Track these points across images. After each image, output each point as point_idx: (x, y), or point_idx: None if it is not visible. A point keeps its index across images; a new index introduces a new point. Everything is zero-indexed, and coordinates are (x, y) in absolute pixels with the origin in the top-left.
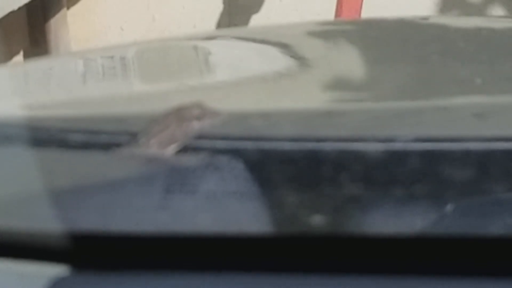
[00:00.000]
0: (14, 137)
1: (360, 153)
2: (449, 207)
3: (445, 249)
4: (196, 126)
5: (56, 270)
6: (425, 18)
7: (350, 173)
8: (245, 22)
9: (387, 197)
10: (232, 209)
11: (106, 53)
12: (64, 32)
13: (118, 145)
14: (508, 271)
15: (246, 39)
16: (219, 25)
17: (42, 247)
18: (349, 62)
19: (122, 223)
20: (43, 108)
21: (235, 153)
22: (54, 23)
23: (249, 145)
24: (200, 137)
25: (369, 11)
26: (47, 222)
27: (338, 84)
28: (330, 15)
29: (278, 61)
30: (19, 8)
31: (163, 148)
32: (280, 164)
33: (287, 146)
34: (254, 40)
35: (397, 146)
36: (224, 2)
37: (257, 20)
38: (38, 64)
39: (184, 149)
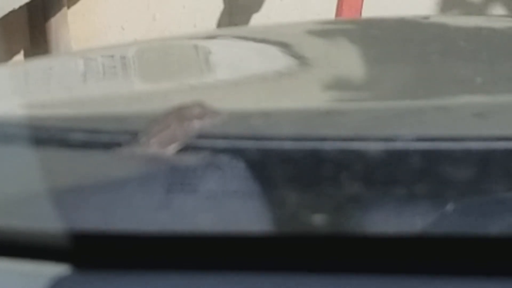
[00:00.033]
0: (15, 137)
1: (360, 153)
2: (449, 207)
3: (445, 249)
4: (196, 125)
5: (57, 270)
6: (426, 18)
7: (350, 172)
8: (246, 21)
9: (387, 196)
10: (232, 208)
11: (106, 52)
12: (65, 32)
13: (118, 144)
14: (509, 270)
15: (246, 39)
16: (220, 24)
17: (43, 246)
18: (350, 61)
19: (122, 222)
20: (43, 108)
21: (235, 152)
22: (54, 22)
23: (249, 144)
24: (201, 136)
25: (369, 11)
26: (48, 222)
27: (339, 84)
28: (331, 15)
29: (278, 60)
30: (20, 7)
31: (163, 147)
32: (281, 164)
33: (288, 145)
34: (254, 40)
35: (398, 145)
36: (225, 2)
37: (257, 20)
38: (39, 64)
39: (185, 149)
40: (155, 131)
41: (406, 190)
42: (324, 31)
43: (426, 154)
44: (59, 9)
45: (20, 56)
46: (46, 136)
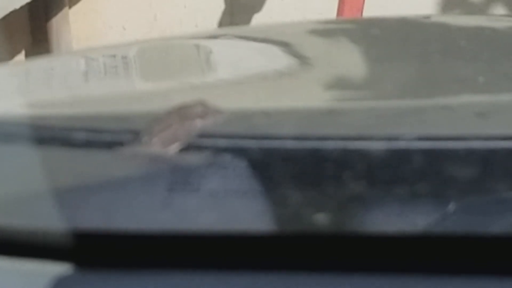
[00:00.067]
0: (16, 136)
1: (362, 152)
2: (451, 206)
3: (447, 248)
4: (198, 124)
5: (58, 269)
6: (427, 17)
7: (352, 172)
8: (247, 21)
9: (389, 196)
10: (234, 207)
11: (108, 52)
12: (66, 31)
13: (120, 143)
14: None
15: (248, 38)
16: (221, 24)
17: (44, 245)
18: (351, 61)
19: (124, 221)
20: (45, 107)
21: (237, 151)
22: (56, 22)
23: (251, 143)
24: (203, 135)
25: (370, 10)
26: (50, 221)
27: (340, 83)
28: (332, 14)
29: (280, 59)
30: (21, 7)
31: (165, 146)
32: (283, 163)
33: (290, 144)
34: (256, 39)
35: (400, 145)
36: (226, 1)
37: (258, 19)
38: (40, 63)
39: (187, 148)
40: (157, 130)
41: (408, 189)
42: (326, 31)
43: (428, 154)
44: (61, 8)
45: (21, 56)
46: (48, 135)
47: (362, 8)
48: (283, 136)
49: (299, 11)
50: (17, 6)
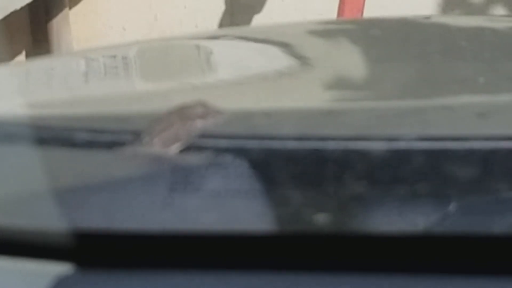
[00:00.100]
0: (17, 136)
1: (363, 152)
2: (452, 206)
3: (448, 248)
4: (199, 124)
5: (59, 269)
6: (427, 18)
7: (353, 172)
8: (247, 21)
9: (390, 196)
10: (235, 207)
11: (108, 52)
12: (66, 32)
13: (121, 144)
14: None
15: (248, 39)
16: (221, 24)
17: (45, 245)
18: (352, 61)
19: (125, 221)
20: (45, 107)
21: (238, 152)
22: (56, 23)
23: (252, 144)
24: (203, 136)
25: (371, 11)
26: (51, 221)
27: (341, 83)
28: (332, 15)
29: (280, 60)
30: (22, 8)
31: (166, 147)
32: (283, 163)
33: (291, 145)
34: (256, 40)
35: (400, 145)
36: (226, 2)
37: (259, 20)
38: (40, 64)
39: (188, 148)
40: (158, 131)
41: (409, 189)
42: (326, 31)
43: (428, 154)
44: (61, 9)
45: (22, 57)
46: (48, 135)
47: (363, 8)
48: (283, 137)
49: (300, 12)
50: (18, 6)
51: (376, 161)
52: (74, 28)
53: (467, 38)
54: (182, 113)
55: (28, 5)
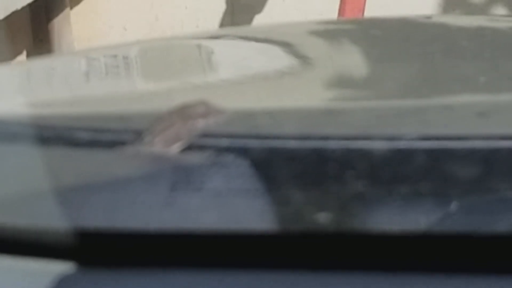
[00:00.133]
0: (18, 135)
1: (364, 151)
2: (453, 206)
3: (449, 248)
4: (201, 124)
5: (61, 268)
6: (428, 17)
7: (354, 171)
8: (248, 21)
9: (391, 195)
10: (237, 207)
11: (109, 52)
12: (67, 32)
13: (122, 143)
14: None
15: (249, 38)
16: (222, 24)
17: (46, 244)
18: (353, 61)
19: (127, 221)
20: (46, 107)
21: (240, 151)
22: (57, 22)
23: (254, 143)
24: (205, 135)
25: (371, 10)
26: (52, 220)
27: (342, 83)
28: (333, 15)
29: (281, 59)
30: (23, 8)
31: (168, 146)
32: (285, 162)
33: (292, 144)
34: (257, 39)
35: (402, 144)
36: (227, 2)
37: (259, 20)
38: (41, 63)
39: (189, 147)
40: (159, 130)
41: (410, 189)
42: (327, 31)
43: (429, 153)
44: (62, 9)
45: (23, 56)
46: (50, 135)
47: (363, 8)
48: (285, 136)
49: (300, 12)
50: (19, 6)
51: (378, 160)
52: (75, 28)
53: (468, 37)
54: (184, 112)
55: (29, 5)
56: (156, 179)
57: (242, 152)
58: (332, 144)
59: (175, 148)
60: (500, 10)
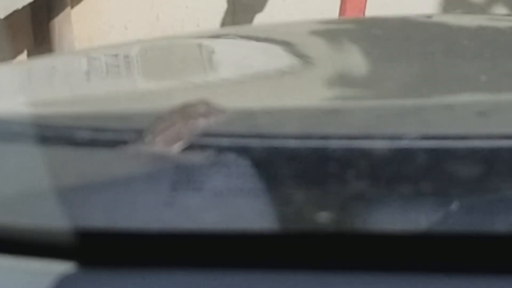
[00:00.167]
0: (19, 135)
1: (365, 151)
2: (454, 205)
3: (450, 247)
4: (201, 123)
5: (61, 268)
6: (429, 17)
7: (355, 170)
8: (249, 21)
9: (391, 194)
10: (238, 206)
11: (110, 51)
12: (68, 31)
13: (123, 142)
14: None
15: (250, 38)
16: (223, 24)
17: (47, 244)
18: (354, 60)
19: (128, 220)
20: (47, 106)
21: (240, 150)
22: (58, 22)
23: (255, 142)
24: (206, 134)
25: (372, 10)
26: (53, 219)
27: (343, 82)
28: (334, 14)
29: (282, 59)
30: (23, 7)
31: (169, 145)
32: (286, 162)
33: (293, 143)
34: (258, 39)
35: (402, 143)
36: (228, 1)
37: (260, 19)
38: (42, 63)
39: (190, 147)
40: (160, 129)
41: (410, 188)
42: (328, 30)
43: (430, 153)
44: (63, 8)
45: (23, 56)
46: (50, 134)
47: (364, 8)
48: (286, 135)
49: (301, 11)
50: (19, 6)
51: (378, 159)
52: (76, 27)
53: (469, 37)
54: (185, 111)
55: (30, 4)
56: (157, 179)
57: (243, 151)
58: (333, 144)
59: (176, 148)
60: (500, 9)
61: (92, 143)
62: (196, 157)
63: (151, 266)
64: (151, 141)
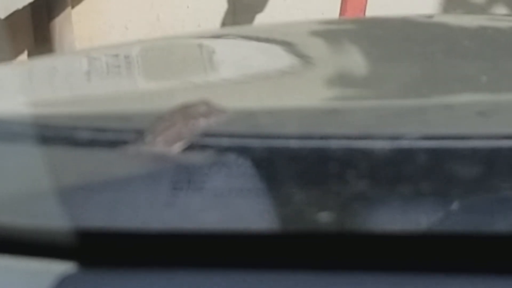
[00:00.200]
0: (20, 135)
1: (365, 151)
2: (455, 205)
3: (450, 247)
4: (202, 123)
5: (62, 268)
6: (429, 17)
7: (356, 170)
8: (250, 21)
9: (392, 194)
10: (238, 206)
11: (110, 51)
12: (69, 31)
13: (124, 142)
14: None
15: (251, 38)
16: (224, 24)
17: (48, 244)
18: (354, 60)
19: (128, 220)
20: (48, 106)
21: (241, 150)
22: (58, 22)
23: (255, 142)
24: (206, 134)
25: (372, 10)
26: (54, 220)
27: (344, 82)
28: (335, 14)
29: (283, 59)
30: (24, 7)
31: (169, 145)
32: (286, 162)
33: (293, 143)
34: (259, 39)
35: (402, 143)
36: (229, 1)
37: (261, 19)
38: (43, 63)
39: (190, 147)
40: (161, 129)
41: (411, 188)
42: (328, 30)
43: (430, 153)
44: (63, 8)
45: (24, 56)
46: (51, 134)
47: (365, 8)
48: (286, 135)
49: (302, 11)
50: (20, 6)
51: (379, 160)
52: (77, 27)
53: (469, 37)
54: (185, 112)
55: (30, 4)
56: (157, 179)
57: (244, 151)
58: (333, 144)
59: (177, 148)
60: (500, 9)
61: (93, 143)
62: (197, 157)
63: (151, 266)
64: (152, 141)
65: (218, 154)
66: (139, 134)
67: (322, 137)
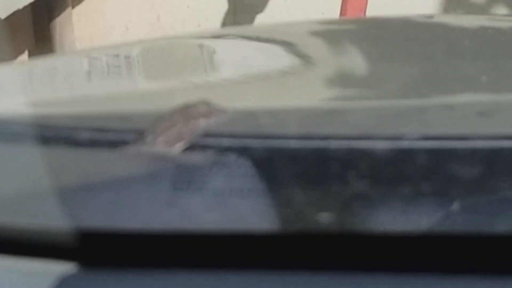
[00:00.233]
0: (20, 135)
1: (366, 151)
2: (455, 205)
3: (451, 247)
4: (202, 123)
5: (62, 268)
6: (430, 17)
7: (356, 171)
8: (250, 21)
9: (392, 195)
10: (239, 207)
11: (111, 51)
12: (69, 31)
13: (124, 143)
14: None
15: (251, 38)
16: (224, 24)
17: (48, 244)
18: (355, 60)
19: (129, 221)
20: (48, 106)
21: (241, 150)
22: (59, 22)
23: (255, 143)
24: (207, 134)
25: (373, 10)
26: (54, 220)
27: (344, 82)
28: (335, 15)
29: (283, 59)
30: (24, 7)
31: (169, 146)
32: (287, 162)
33: (294, 144)
34: (259, 39)
35: (403, 144)
36: (229, 1)
37: (261, 19)
38: (43, 63)
39: (191, 147)
40: (161, 130)
41: (411, 188)
42: (329, 30)
43: (431, 153)
44: (64, 9)
45: (24, 56)
46: (52, 134)
47: (365, 8)
48: (287, 136)
49: (302, 11)
50: (20, 6)
51: (379, 160)
52: (77, 27)
53: (469, 37)
54: (186, 112)
55: (31, 4)
56: (158, 179)
57: (244, 152)
58: (334, 144)
59: (177, 148)
60: (501, 9)
61: (93, 144)
62: (197, 158)
63: (151, 266)
64: (152, 141)
65: (219, 154)
66: (140, 134)
67: (322, 137)
